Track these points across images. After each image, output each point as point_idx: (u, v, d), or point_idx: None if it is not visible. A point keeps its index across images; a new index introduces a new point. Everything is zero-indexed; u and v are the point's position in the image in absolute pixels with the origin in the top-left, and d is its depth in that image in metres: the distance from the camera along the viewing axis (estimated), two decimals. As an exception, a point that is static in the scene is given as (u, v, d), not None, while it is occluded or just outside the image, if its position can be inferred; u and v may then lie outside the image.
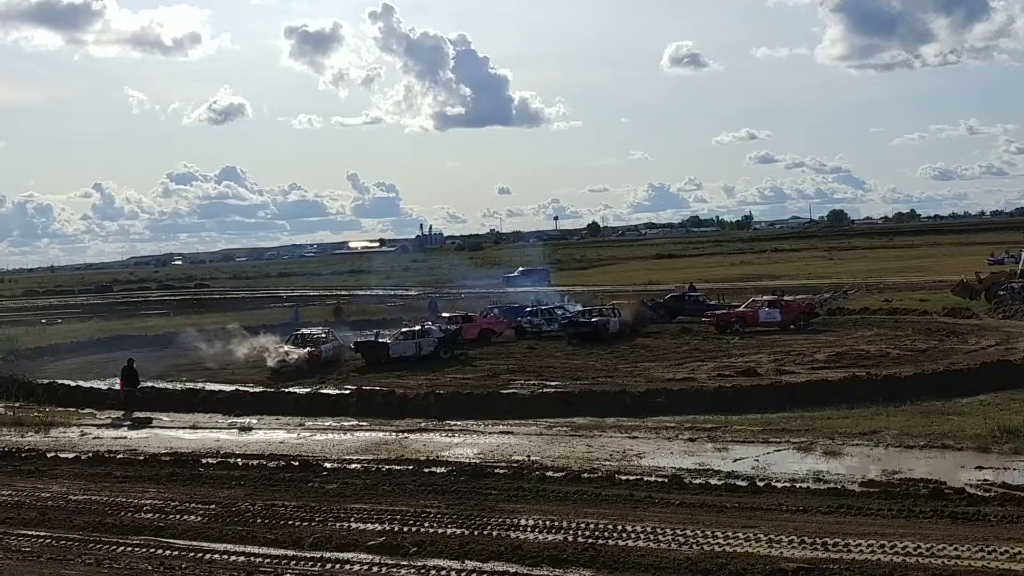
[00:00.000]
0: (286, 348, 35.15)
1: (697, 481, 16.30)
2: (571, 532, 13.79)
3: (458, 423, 23.44)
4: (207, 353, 37.71)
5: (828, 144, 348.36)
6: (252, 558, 13.47)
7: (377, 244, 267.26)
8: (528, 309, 44.56)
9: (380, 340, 36.44)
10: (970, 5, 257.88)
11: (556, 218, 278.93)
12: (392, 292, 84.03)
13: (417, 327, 37.58)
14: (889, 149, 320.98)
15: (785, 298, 43.78)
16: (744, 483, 15.96)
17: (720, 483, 16.11)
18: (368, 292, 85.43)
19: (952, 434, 18.95)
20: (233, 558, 13.51)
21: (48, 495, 17.84)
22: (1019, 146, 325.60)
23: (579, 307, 46.52)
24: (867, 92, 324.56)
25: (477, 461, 18.88)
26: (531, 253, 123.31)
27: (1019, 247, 58.81)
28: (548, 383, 28.40)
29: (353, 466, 18.93)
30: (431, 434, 22.52)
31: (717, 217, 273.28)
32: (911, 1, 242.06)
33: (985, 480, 15.64)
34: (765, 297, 43.60)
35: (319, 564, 13.12)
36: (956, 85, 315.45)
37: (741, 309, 42.09)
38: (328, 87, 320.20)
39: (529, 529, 14.12)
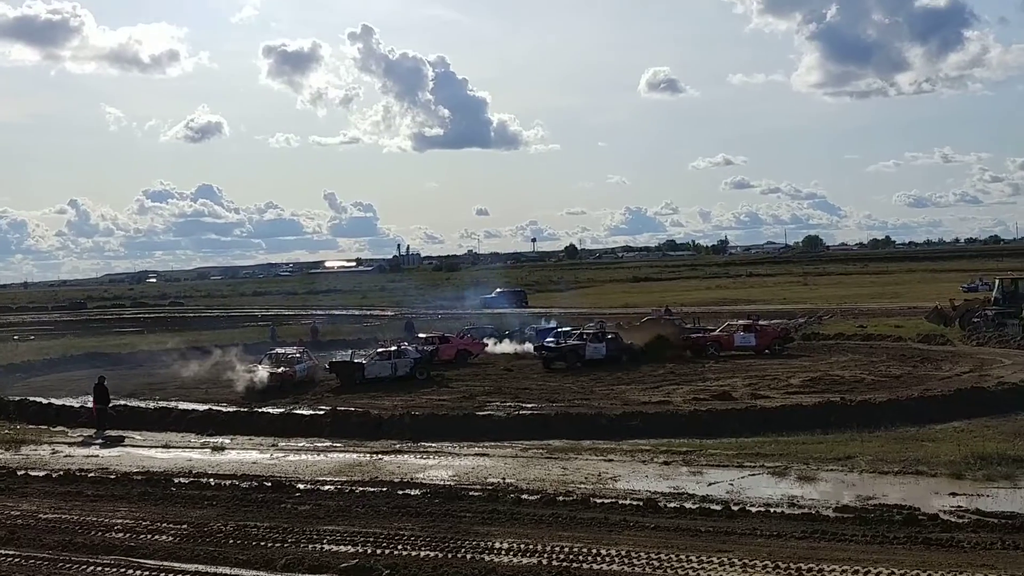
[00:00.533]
0: (260, 367, 34.95)
1: (672, 505, 16.30)
2: (545, 555, 13.74)
3: (433, 445, 23.33)
4: (180, 372, 37.45)
5: (803, 170, 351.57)
6: (223, 579, 13.35)
7: (354, 264, 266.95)
8: (557, 331, 43.16)
9: (355, 360, 36.28)
10: (945, 35, 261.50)
11: (534, 240, 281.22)
12: (368, 312, 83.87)
13: (393, 347, 37.47)
14: (864, 176, 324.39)
15: (760, 323, 43.95)
16: (718, 507, 15.95)
17: (695, 507, 16.10)
18: (344, 312, 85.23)
19: (926, 460, 19.03)
20: (204, 579, 13.38)
21: (18, 513, 17.63)
22: (993, 175, 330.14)
23: (552, 324, 46.59)
24: (843, 119, 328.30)
25: (452, 483, 18.80)
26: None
27: (993, 275, 59.42)
28: (524, 405, 28.33)
29: (326, 487, 18.80)
30: (405, 456, 22.41)
31: (693, 241, 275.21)
32: (886, 30, 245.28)
33: (959, 506, 15.71)
34: (740, 321, 43.77)
35: (291, 586, 13.01)
36: (931, 113, 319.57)
37: (716, 333, 42.22)
38: (306, 106, 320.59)
39: (503, 552, 14.06)
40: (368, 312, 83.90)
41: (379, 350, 37.67)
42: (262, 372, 34.32)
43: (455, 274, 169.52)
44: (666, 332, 41.84)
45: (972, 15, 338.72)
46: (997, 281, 49.31)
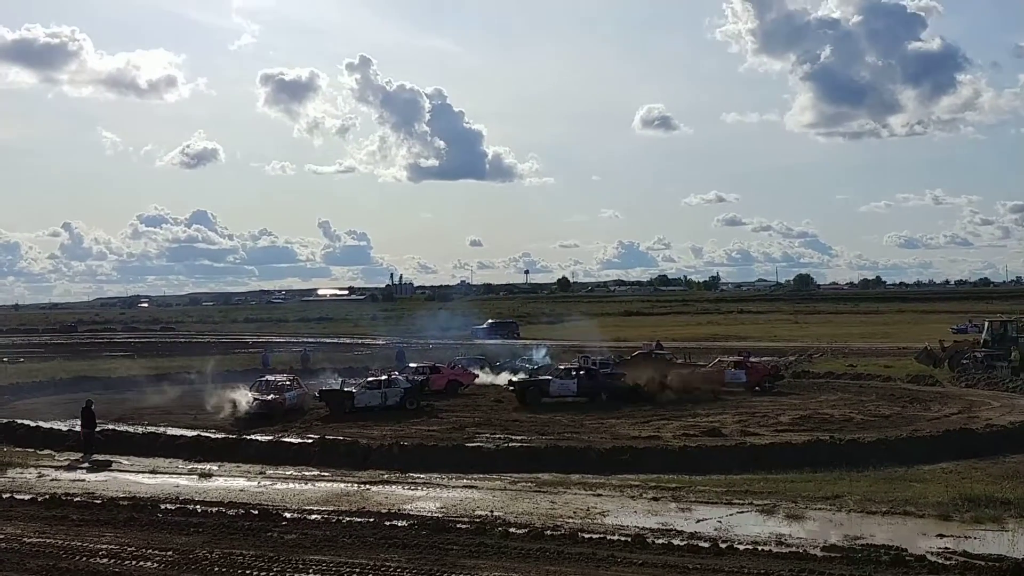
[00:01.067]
0: (249, 394, 34.88)
1: (660, 541, 16.26)
2: (532, 590, 13.69)
3: (421, 476, 23.27)
4: (168, 397, 37.32)
5: (795, 209, 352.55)
6: (208, 608, 13.27)
7: (346, 292, 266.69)
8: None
9: (345, 389, 36.21)
10: (937, 78, 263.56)
11: (527, 272, 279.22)
12: (360, 341, 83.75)
13: (383, 377, 37.42)
14: (856, 216, 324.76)
15: (751, 359, 43.99)
16: (707, 544, 15.93)
17: (683, 544, 16.08)
18: (335, 340, 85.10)
19: (914, 501, 19.05)
20: (188, 607, 13.31)
21: (2, 537, 17.52)
22: (983, 217, 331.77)
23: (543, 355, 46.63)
24: (835, 159, 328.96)
25: (439, 515, 18.74)
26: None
27: (982, 317, 59.64)
28: (514, 437, 28.30)
29: (313, 516, 18.74)
30: (393, 486, 22.34)
31: (685, 277, 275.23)
32: (880, 72, 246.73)
33: (946, 548, 15.70)
34: (731, 358, 43.82)
35: (276, 616, 12.94)
36: (923, 156, 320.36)
37: (707, 369, 42.24)
38: (303, 135, 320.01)
39: (490, 585, 14.00)
40: (359, 340, 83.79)
41: (368, 379, 37.62)
42: (251, 399, 34.25)
43: (447, 304, 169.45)
44: (666, 372, 39.26)
45: (965, 59, 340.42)
46: (986, 323, 49.53)
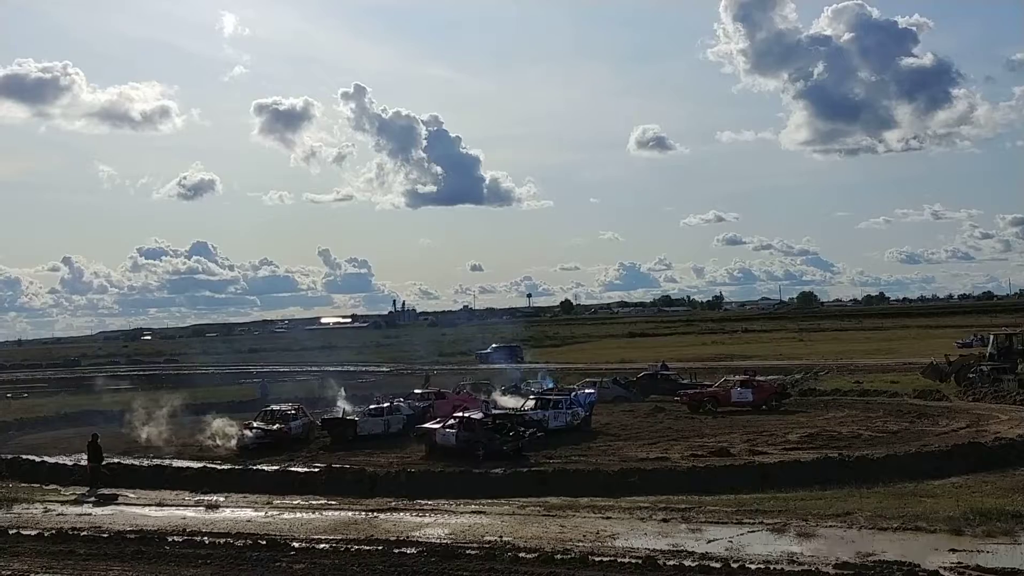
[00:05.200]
0: (255, 424, 34.85)
1: (671, 563, 16.15)
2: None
3: (429, 502, 23.17)
4: (173, 429, 37.22)
5: (795, 227, 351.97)
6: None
7: (349, 320, 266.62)
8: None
9: (348, 418, 36.11)
10: (932, 93, 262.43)
11: (529, 295, 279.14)
12: (363, 368, 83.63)
13: (386, 404, 37.33)
14: (856, 232, 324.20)
15: (757, 378, 43.91)
16: (718, 565, 15.84)
17: (694, 565, 15.98)
18: (340, 368, 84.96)
19: (925, 516, 18.94)
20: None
21: (9, 573, 17.45)
22: (983, 231, 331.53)
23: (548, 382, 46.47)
24: (832, 176, 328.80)
25: (448, 542, 18.63)
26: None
27: (987, 330, 59.53)
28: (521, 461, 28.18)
29: (321, 546, 18.65)
30: (401, 513, 22.24)
31: (688, 297, 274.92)
32: (873, 88, 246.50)
33: (959, 563, 15.60)
34: (737, 377, 43.76)
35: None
36: (920, 171, 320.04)
37: (713, 388, 42.16)
38: (299, 164, 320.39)
39: (501, 611, 13.90)
40: (363, 368, 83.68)
41: (371, 407, 37.54)
42: (256, 429, 34.20)
43: (451, 330, 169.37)
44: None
45: (958, 74, 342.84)
46: (992, 337, 49.42)
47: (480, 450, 29.05)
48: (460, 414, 31.64)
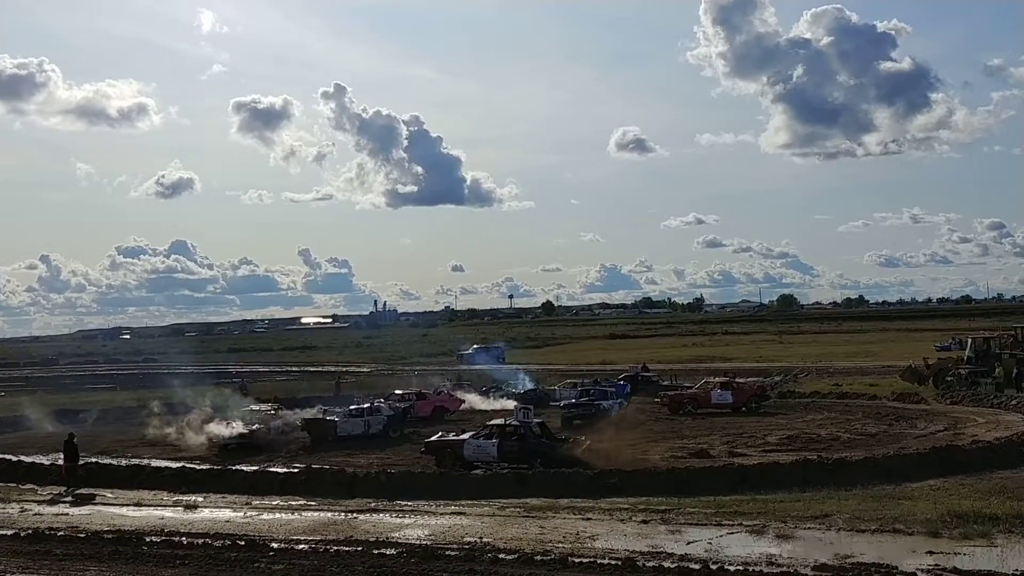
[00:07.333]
0: (233, 424, 34.71)
1: (651, 564, 16.17)
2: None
3: (409, 503, 23.11)
4: (152, 429, 37.04)
5: (774, 230, 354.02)
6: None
7: (330, 320, 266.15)
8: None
9: (328, 418, 36.01)
10: (911, 97, 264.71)
11: (511, 297, 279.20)
12: (344, 368, 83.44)
13: (366, 405, 37.26)
14: (835, 236, 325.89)
15: (737, 380, 44.06)
16: (697, 566, 15.86)
17: (673, 566, 16.00)
18: (319, 369, 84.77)
19: (903, 518, 19.02)
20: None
21: (-16, 574, 17.31)
22: (961, 235, 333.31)
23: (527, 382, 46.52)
24: (811, 179, 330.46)
25: (428, 543, 18.60)
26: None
27: (965, 334, 59.89)
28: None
29: (300, 546, 18.58)
30: (381, 514, 22.17)
31: (669, 299, 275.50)
32: (852, 92, 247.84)
33: (936, 565, 15.67)
34: (717, 379, 43.93)
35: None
36: (899, 175, 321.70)
37: (693, 390, 42.28)
38: (279, 163, 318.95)
39: (480, 612, 13.88)
40: (344, 368, 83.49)
41: (351, 407, 37.46)
42: (235, 429, 34.06)
43: (432, 331, 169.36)
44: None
45: (937, 79, 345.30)
46: (970, 340, 49.73)
47: (536, 459, 26.76)
48: (494, 422, 29.47)
